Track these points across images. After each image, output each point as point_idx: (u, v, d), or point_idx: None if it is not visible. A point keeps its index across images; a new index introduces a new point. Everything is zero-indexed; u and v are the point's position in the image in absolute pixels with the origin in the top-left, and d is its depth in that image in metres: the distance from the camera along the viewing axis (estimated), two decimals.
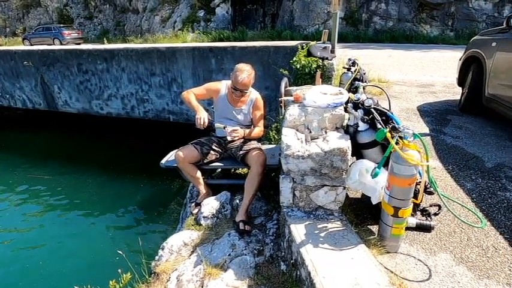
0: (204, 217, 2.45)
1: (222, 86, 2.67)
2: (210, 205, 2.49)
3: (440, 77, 6.05)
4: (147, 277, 2.11)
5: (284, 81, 2.65)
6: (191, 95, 2.58)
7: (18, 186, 7.15)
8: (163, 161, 2.82)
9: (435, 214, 1.99)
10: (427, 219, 1.93)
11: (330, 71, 3.76)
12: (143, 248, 2.55)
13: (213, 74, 7.04)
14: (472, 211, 1.83)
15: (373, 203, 1.74)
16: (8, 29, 22.13)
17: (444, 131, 3.40)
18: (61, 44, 15.93)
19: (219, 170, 3.03)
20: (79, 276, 3.15)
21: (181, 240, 2.31)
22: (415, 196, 1.64)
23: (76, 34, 17.43)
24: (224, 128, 2.51)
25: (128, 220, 4.47)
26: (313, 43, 4.70)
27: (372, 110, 1.70)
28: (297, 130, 1.91)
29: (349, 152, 1.68)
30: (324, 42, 5.36)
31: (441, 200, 1.53)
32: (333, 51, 5.15)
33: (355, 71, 3.75)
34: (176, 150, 2.64)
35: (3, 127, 11.11)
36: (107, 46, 9.46)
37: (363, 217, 1.99)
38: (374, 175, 1.50)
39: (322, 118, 1.86)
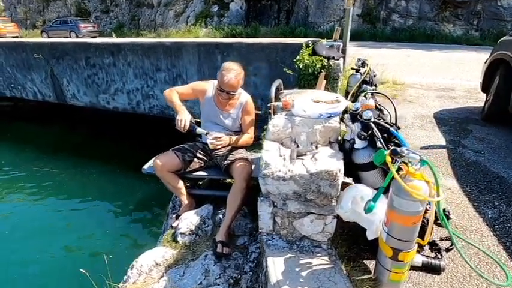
0: (181, 233, 2.19)
1: (209, 86, 2.39)
2: (189, 220, 2.23)
3: (462, 81, 5.55)
4: None
5: (276, 84, 2.34)
6: (174, 94, 2.31)
7: (22, 177, 7.18)
8: (145, 166, 2.58)
9: (447, 250, 1.65)
10: (436, 256, 1.60)
11: (336, 71, 3.41)
12: (120, 262, 2.32)
13: (219, 71, 6.79)
14: (493, 258, 1.48)
15: (369, 239, 1.42)
16: (28, 21, 22.66)
17: (463, 144, 3.00)
18: (77, 37, 16.10)
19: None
20: None
21: (152, 259, 2.07)
22: (422, 234, 1.32)
23: (92, 27, 17.59)
24: (206, 134, 2.23)
25: (111, 227, 4.25)
26: (323, 40, 4.35)
27: (371, 124, 1.38)
28: (282, 144, 1.62)
29: (340, 176, 1.37)
30: (335, 40, 5.00)
31: (454, 244, 1.20)
32: (343, 50, 4.78)
33: (364, 73, 3.39)
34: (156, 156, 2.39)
35: (16, 118, 11.29)
36: (114, 40, 9.38)
37: (358, 248, 1.67)
38: (367, 210, 1.19)
39: (312, 131, 1.56)
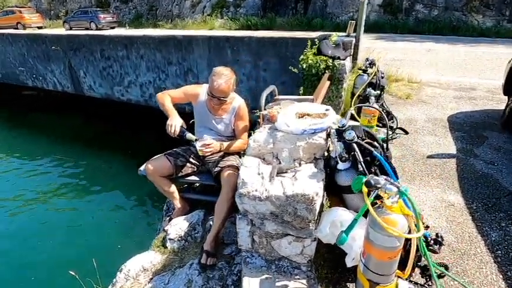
0: (170, 239, 2.19)
1: (202, 90, 2.33)
2: (178, 226, 2.22)
3: (484, 79, 5.18)
4: None
5: (268, 91, 2.24)
6: (166, 97, 2.27)
7: (38, 164, 7.49)
8: (141, 167, 2.58)
9: (440, 276, 1.55)
10: (426, 283, 1.50)
11: (341, 72, 3.25)
12: (115, 262, 2.34)
13: (228, 65, 6.72)
14: None
15: (347, 266, 1.34)
16: (52, 11, 23.30)
17: (476, 153, 2.80)
18: (97, 27, 16.39)
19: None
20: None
21: (140, 264, 2.08)
22: (403, 265, 1.23)
23: (111, 18, 17.80)
24: (195, 141, 2.18)
25: (110, 223, 4.33)
26: (335, 35, 4.15)
27: (354, 145, 1.28)
28: (263, 159, 1.54)
29: (318, 200, 1.29)
30: (348, 35, 4.78)
31: (434, 283, 1.11)
32: (356, 46, 4.56)
33: (371, 74, 3.22)
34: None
35: (37, 107, 11.74)
36: (127, 33, 9.46)
37: (342, 269, 1.59)
38: (339, 242, 1.11)
39: (295, 147, 1.47)
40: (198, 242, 2.22)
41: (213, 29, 13.04)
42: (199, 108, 2.34)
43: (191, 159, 2.37)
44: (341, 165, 1.34)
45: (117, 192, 6.06)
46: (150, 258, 2.14)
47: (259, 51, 6.43)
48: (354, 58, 5.01)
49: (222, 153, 2.31)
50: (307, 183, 1.33)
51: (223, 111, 2.31)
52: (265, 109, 1.80)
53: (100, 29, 15.71)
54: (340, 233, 1.11)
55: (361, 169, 1.22)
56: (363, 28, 4.57)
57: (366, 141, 1.35)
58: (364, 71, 3.32)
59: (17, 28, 16.55)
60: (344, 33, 4.35)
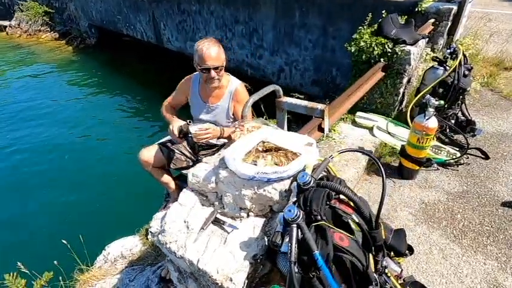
0: (151, 232, 2.13)
1: (193, 78, 2.04)
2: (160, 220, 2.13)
3: None
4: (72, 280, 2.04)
5: (266, 91, 1.75)
6: (163, 108, 2.12)
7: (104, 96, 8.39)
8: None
9: None
10: None
11: (403, 63, 2.40)
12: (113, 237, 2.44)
13: (295, 29, 6.01)
14: None
15: None
16: None
17: None
18: None
19: None
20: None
21: (120, 250, 2.11)
22: None
23: None
24: (189, 123, 1.83)
25: (120, 193, 4.36)
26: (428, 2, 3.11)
27: (293, 228, 0.85)
28: (206, 197, 1.22)
29: (238, 286, 0.94)
30: (449, 0, 3.64)
31: None
32: (455, 20, 3.40)
33: (450, 68, 2.32)
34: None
35: (127, 52, 12.87)
36: None
37: None
38: None
39: (240, 195, 1.10)
40: None
41: None
42: (193, 99, 2.06)
43: (185, 152, 2.18)
44: (283, 246, 0.93)
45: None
46: (131, 246, 2.15)
47: (331, 14, 5.50)
48: (450, 34, 3.80)
49: (216, 148, 2.07)
50: (229, 258, 0.99)
51: (217, 98, 1.99)
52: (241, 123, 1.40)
53: None
54: None
55: (292, 272, 0.80)
56: None
57: (320, 222, 0.89)
58: (441, 63, 2.41)
59: None
60: None
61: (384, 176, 1.03)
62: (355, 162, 2.20)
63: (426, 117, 1.94)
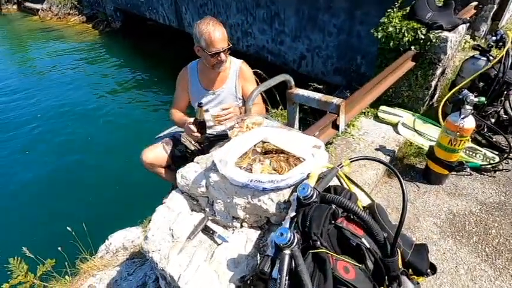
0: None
1: (189, 69, 1.89)
2: None
3: None
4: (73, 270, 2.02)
5: (272, 82, 1.56)
6: (172, 115, 1.93)
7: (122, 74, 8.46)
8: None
9: None
10: None
11: (438, 51, 2.09)
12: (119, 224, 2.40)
13: (320, 13, 5.65)
14: None
15: None
16: None
17: None
18: None
19: None
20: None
21: (122, 241, 2.06)
22: None
23: None
24: (199, 107, 1.54)
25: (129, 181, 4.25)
26: None
27: (284, 255, 0.69)
28: (197, 201, 1.09)
29: None
30: None
31: None
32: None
33: (495, 58, 2.01)
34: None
35: (149, 36, 12.88)
36: None
37: None
38: None
39: (231, 203, 0.95)
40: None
41: None
42: (193, 90, 1.90)
43: (192, 148, 2.05)
44: (275, 271, 0.78)
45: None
46: (134, 237, 2.10)
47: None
48: (496, 19, 3.38)
49: (225, 139, 1.93)
50: (213, 278, 0.85)
51: (222, 82, 1.84)
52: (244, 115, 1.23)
53: None
54: None
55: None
56: None
57: (320, 250, 0.72)
58: (483, 52, 2.09)
59: None
60: None
61: (405, 192, 0.84)
62: (374, 162, 1.99)
63: (462, 116, 1.67)
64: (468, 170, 1.99)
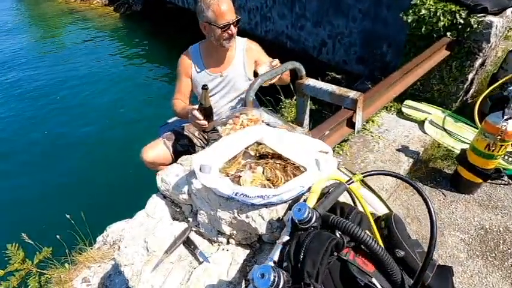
0: None
1: (191, 53, 1.73)
2: None
3: None
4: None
5: (277, 73, 1.35)
6: (174, 104, 1.76)
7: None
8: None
9: None
10: None
11: (480, 39, 1.78)
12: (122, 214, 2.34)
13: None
14: None
15: None
16: None
17: None
18: None
19: None
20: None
21: (118, 234, 1.98)
22: None
23: None
24: (204, 90, 1.21)
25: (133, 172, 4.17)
26: None
27: (279, 277, 0.52)
28: (180, 208, 0.94)
29: None
30: None
31: None
32: None
33: None
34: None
35: (167, 19, 12.72)
36: None
37: None
38: None
39: (215, 217, 0.80)
40: None
41: None
42: (197, 76, 1.73)
43: (195, 141, 1.90)
44: None
45: None
46: None
47: None
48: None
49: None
50: None
51: (229, 62, 1.69)
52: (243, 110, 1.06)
53: None
54: None
55: None
56: None
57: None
58: None
59: None
60: None
61: (435, 220, 0.64)
62: (394, 165, 1.76)
63: (505, 117, 1.41)
64: (506, 178, 1.72)
